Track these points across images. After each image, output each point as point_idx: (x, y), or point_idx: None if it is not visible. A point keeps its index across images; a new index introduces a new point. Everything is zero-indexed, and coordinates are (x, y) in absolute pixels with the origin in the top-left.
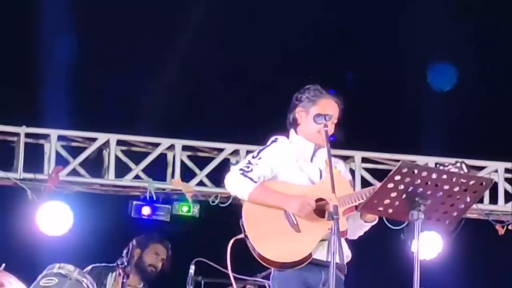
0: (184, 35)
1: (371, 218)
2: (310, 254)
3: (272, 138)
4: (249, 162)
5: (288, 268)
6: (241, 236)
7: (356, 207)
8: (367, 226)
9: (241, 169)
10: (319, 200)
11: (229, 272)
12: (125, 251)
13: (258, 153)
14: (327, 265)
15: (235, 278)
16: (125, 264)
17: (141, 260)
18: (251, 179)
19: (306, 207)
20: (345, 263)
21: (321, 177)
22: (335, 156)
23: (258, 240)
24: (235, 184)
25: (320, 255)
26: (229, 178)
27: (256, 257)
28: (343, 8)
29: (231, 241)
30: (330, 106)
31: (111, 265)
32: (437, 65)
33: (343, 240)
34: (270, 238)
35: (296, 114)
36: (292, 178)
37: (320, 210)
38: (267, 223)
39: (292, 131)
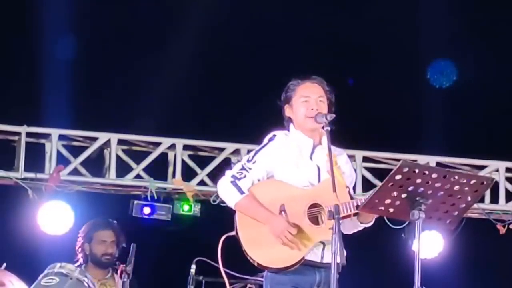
0: (185, 34)
1: (367, 220)
2: (302, 258)
3: (270, 135)
4: (243, 168)
5: (278, 272)
6: (233, 233)
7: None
8: (361, 226)
9: (233, 176)
10: (313, 205)
11: (221, 268)
12: (76, 247)
13: (254, 155)
14: (321, 266)
15: (236, 277)
16: (82, 262)
17: (93, 254)
18: (240, 189)
19: (284, 235)
20: (339, 263)
21: (319, 175)
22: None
23: (249, 243)
24: (224, 192)
25: (314, 256)
26: (220, 185)
27: (247, 257)
28: (343, 7)
29: (223, 238)
30: (308, 89)
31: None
32: (437, 63)
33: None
34: (261, 241)
35: (286, 113)
36: (289, 178)
37: (314, 216)
38: (260, 225)
39: (291, 126)
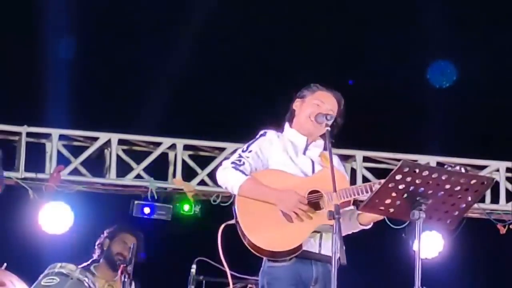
0: (185, 35)
1: (367, 222)
2: (301, 246)
3: (261, 132)
4: (240, 156)
5: (278, 258)
6: (232, 221)
7: (354, 203)
8: (359, 228)
9: (233, 163)
10: (313, 192)
11: (221, 257)
12: (97, 243)
13: (248, 146)
14: (318, 258)
15: (236, 277)
16: (97, 258)
17: (109, 250)
18: (243, 172)
19: (298, 207)
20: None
21: (313, 168)
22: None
23: (250, 227)
24: (226, 177)
25: (312, 247)
26: (221, 171)
27: (246, 244)
28: (343, 6)
29: (222, 226)
30: (326, 98)
31: (83, 265)
32: (437, 63)
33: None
34: (262, 226)
35: (293, 105)
36: (284, 169)
37: (314, 202)
38: (260, 211)
39: (286, 125)
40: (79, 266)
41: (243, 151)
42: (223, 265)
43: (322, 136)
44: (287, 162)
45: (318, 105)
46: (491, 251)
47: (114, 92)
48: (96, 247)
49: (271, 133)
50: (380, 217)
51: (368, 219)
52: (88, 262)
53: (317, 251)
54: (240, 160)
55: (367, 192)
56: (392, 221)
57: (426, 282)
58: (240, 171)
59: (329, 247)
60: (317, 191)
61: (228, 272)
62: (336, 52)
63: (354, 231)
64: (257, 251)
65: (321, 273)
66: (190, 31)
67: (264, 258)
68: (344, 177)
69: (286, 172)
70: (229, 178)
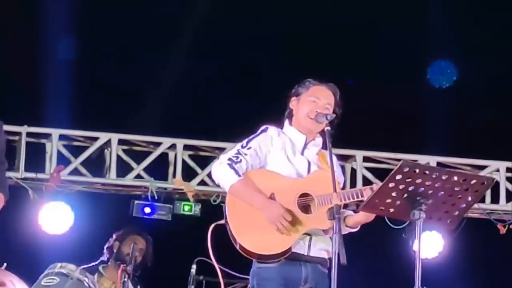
0: (186, 34)
1: (354, 225)
2: (290, 249)
3: (262, 127)
4: (238, 152)
5: (267, 260)
6: (222, 222)
7: (345, 205)
8: (346, 231)
9: (229, 159)
10: (303, 195)
11: (211, 257)
12: (106, 246)
13: (248, 142)
14: (307, 259)
15: (237, 277)
16: (105, 260)
17: (119, 252)
18: (237, 172)
19: (279, 220)
20: (327, 258)
21: (309, 169)
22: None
23: (239, 229)
24: (220, 174)
25: (301, 249)
26: (216, 167)
27: (236, 246)
28: (343, 6)
29: (212, 226)
30: (321, 92)
31: (90, 265)
32: (437, 63)
33: (327, 237)
34: (251, 228)
35: (290, 105)
36: (279, 169)
37: (304, 205)
38: (250, 213)
39: (286, 123)
40: (86, 266)
41: (242, 146)
42: (220, 265)
43: (322, 132)
44: (284, 162)
45: (314, 102)
46: (491, 251)
47: (114, 92)
48: (105, 250)
49: (272, 130)
50: (368, 220)
51: (354, 221)
52: (97, 262)
53: (305, 253)
54: (237, 157)
55: (358, 197)
56: (392, 221)
57: (426, 282)
58: (235, 169)
59: (319, 249)
60: (308, 194)
61: (218, 269)
62: (337, 52)
63: (343, 233)
64: (246, 254)
65: (310, 272)
66: (190, 31)
67: (254, 259)
68: (336, 180)
69: (279, 174)
70: (222, 175)
